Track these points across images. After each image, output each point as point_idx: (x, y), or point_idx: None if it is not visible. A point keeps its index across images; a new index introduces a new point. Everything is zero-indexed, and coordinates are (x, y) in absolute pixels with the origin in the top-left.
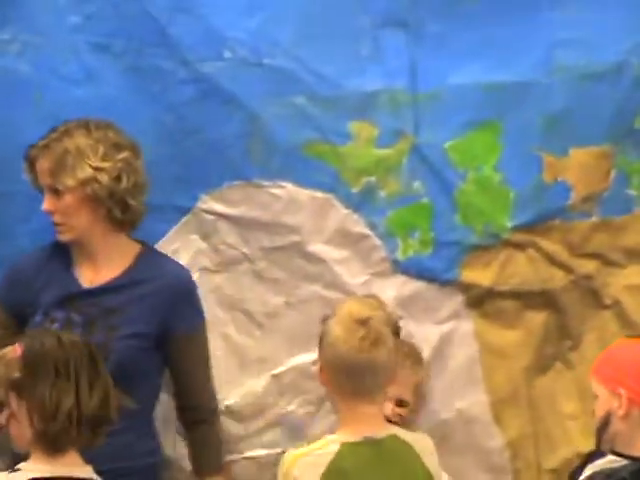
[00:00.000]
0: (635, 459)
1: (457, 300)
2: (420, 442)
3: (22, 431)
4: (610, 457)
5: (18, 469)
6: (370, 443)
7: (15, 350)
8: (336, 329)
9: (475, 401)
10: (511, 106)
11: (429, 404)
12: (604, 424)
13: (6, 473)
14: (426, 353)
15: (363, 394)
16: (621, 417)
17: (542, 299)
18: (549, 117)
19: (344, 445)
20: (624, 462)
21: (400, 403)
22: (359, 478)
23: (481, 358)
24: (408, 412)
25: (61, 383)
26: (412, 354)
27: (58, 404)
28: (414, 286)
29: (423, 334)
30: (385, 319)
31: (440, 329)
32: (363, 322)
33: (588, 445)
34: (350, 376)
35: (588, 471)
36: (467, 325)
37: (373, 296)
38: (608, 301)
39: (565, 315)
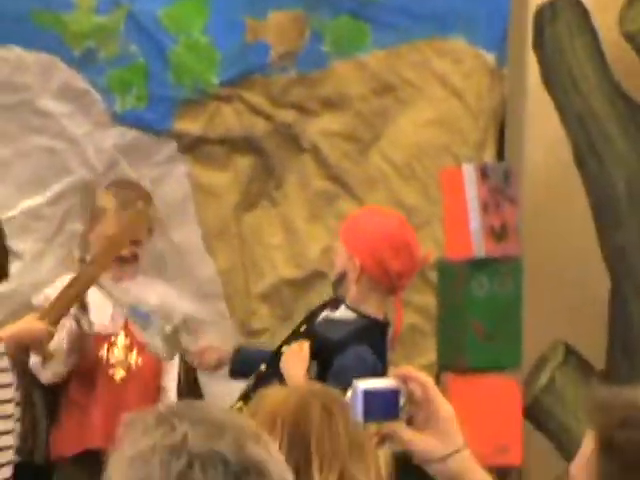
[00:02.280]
0: (363, 316)
1: (171, 147)
2: None
3: None
4: (343, 309)
5: None
6: None
7: None
8: None
9: (188, 234)
10: None
11: None
12: (340, 279)
13: None
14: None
15: None
16: (353, 280)
17: (247, 145)
18: None
19: None
20: (353, 316)
21: (137, 243)
22: None
23: (194, 196)
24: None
25: None
26: (142, 195)
27: None
28: (132, 135)
29: (141, 176)
30: None
31: (156, 171)
32: None
33: (291, 272)
34: None
35: (322, 315)
36: (180, 168)
37: None
38: (307, 145)
39: (269, 158)
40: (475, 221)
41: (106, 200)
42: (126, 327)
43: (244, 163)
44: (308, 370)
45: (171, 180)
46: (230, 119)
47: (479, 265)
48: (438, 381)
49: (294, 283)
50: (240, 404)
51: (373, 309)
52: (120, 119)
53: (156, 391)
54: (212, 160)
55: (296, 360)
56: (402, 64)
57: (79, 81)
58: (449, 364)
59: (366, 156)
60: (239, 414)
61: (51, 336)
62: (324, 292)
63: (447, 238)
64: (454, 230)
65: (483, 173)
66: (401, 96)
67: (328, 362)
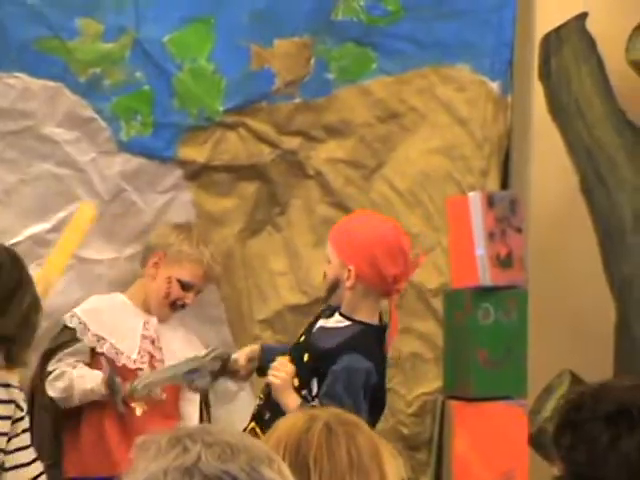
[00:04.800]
0: (356, 322)
1: (176, 174)
2: None
3: None
4: (337, 317)
5: None
6: None
7: None
8: None
9: None
10: (221, 3)
11: None
12: (332, 288)
13: None
14: (149, 217)
15: None
16: (348, 287)
17: (252, 172)
18: (255, 12)
19: None
20: (347, 323)
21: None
22: None
23: (198, 223)
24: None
25: None
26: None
27: None
28: (137, 162)
29: (147, 203)
30: None
31: (162, 198)
32: None
33: (295, 298)
34: None
35: (317, 325)
36: (186, 195)
37: None
38: (311, 172)
39: (274, 185)
40: (481, 249)
41: (196, 250)
42: (151, 362)
43: (249, 190)
44: (304, 387)
45: (176, 207)
46: (235, 146)
47: (484, 293)
48: (444, 409)
49: (298, 309)
50: (253, 424)
51: (367, 314)
52: (125, 146)
53: (177, 420)
54: (217, 187)
55: (283, 387)
56: (407, 91)
57: (84, 108)
58: (455, 392)
59: (370, 182)
60: (252, 437)
61: None
62: None
63: (453, 266)
64: (460, 258)
65: (489, 201)
66: (405, 123)
67: (323, 373)
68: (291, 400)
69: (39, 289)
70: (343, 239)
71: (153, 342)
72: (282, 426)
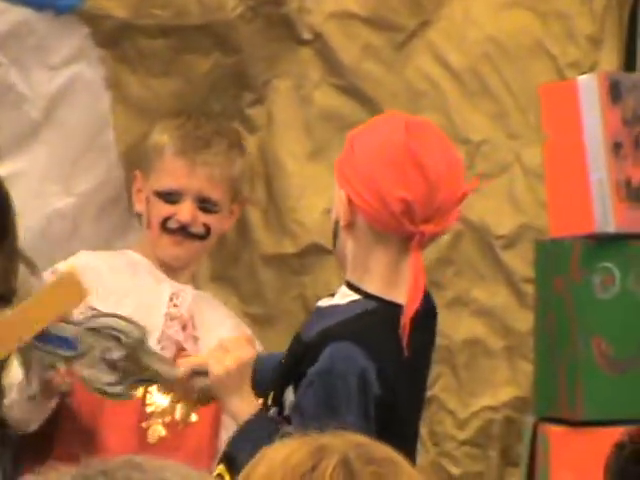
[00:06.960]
0: (368, 295)
1: (80, 35)
2: None
3: None
4: (343, 289)
5: None
6: None
7: None
8: None
9: (108, 180)
10: None
11: None
12: (333, 236)
13: None
14: (37, 109)
15: None
16: (344, 228)
17: (207, 35)
18: None
19: None
20: (353, 297)
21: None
22: None
23: (115, 117)
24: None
25: None
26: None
27: None
28: (16, 15)
29: (31, 83)
30: None
31: (56, 76)
32: None
33: (274, 244)
34: None
35: (319, 303)
36: (95, 72)
37: None
38: (306, 35)
39: (243, 56)
40: (598, 171)
41: (162, 136)
42: (179, 356)
43: (202, 65)
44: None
45: (80, 90)
46: None
47: (604, 246)
48: (535, 440)
49: (281, 263)
50: (222, 468)
51: (382, 282)
52: None
53: (211, 462)
54: (148, 59)
55: (231, 384)
56: None
57: None
58: (552, 412)
59: (406, 55)
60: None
61: None
62: (327, 276)
63: (550, 199)
64: (561, 186)
65: (612, 91)
66: None
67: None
68: (242, 404)
69: None
70: (342, 156)
71: (185, 327)
72: (270, 461)
